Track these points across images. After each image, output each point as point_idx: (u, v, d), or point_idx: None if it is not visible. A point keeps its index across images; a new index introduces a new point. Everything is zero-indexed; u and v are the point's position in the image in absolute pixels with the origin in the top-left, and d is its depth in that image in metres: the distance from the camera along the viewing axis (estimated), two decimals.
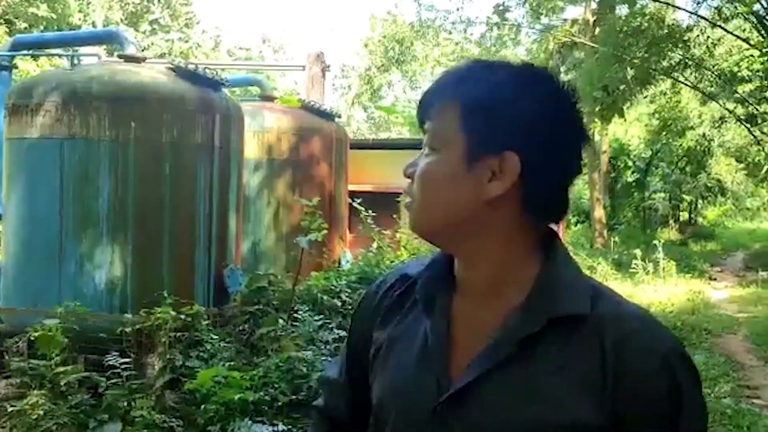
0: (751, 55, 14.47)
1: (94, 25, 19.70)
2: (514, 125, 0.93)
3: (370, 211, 8.28)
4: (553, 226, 1.01)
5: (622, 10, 18.71)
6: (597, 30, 19.18)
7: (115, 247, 5.59)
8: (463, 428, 0.94)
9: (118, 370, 4.49)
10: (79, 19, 20.00)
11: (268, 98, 8.78)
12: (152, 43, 22.63)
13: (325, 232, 5.62)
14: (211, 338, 4.88)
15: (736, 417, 5.34)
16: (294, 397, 4.48)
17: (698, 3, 17.86)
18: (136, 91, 5.75)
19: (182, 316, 4.78)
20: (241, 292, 6.04)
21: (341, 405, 1.18)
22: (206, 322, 4.99)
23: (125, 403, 4.35)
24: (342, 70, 28.17)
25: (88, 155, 5.56)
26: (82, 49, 7.68)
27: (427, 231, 1.01)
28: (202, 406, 4.20)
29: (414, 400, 0.99)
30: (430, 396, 0.97)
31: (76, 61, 6.24)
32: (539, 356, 0.92)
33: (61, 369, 4.33)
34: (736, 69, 18.34)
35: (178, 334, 4.81)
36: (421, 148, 1.00)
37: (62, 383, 4.29)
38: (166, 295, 4.98)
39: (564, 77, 22.00)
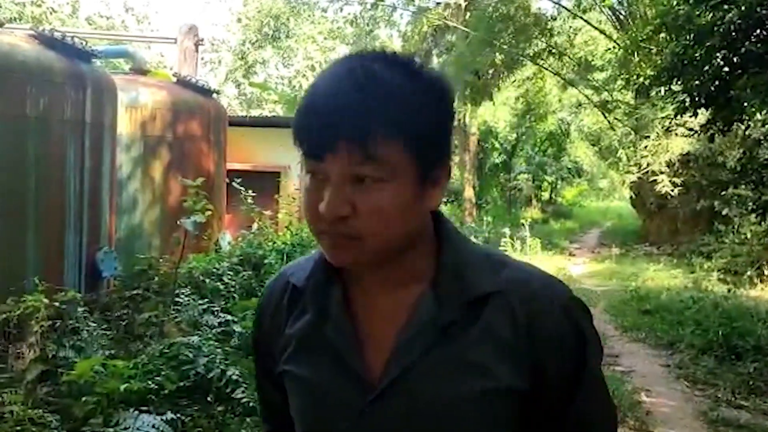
0: (612, 47, 15.45)
1: None
2: (448, 137, 0.99)
3: (249, 191, 8.11)
4: None
5: None
6: (468, 14, 19.73)
7: None
8: (396, 419, 0.96)
9: None
10: None
11: (140, 71, 8.32)
12: (0, 6, 20.72)
13: (209, 213, 5.44)
14: (88, 326, 4.61)
15: None
16: (181, 383, 4.33)
17: None
18: None
19: (56, 303, 4.46)
20: (119, 277, 5.73)
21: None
22: (82, 309, 4.69)
23: None
24: (212, 45, 27.21)
25: None
26: None
27: (374, 260, 0.95)
28: (82, 399, 3.96)
29: (338, 410, 0.99)
30: (354, 400, 0.98)
31: None
32: (459, 335, 0.96)
33: None
34: (591, 58, 19.58)
35: (51, 322, 4.49)
36: None
37: None
38: (37, 281, 4.62)
39: (437, 60, 22.46)
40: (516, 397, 0.96)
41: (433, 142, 0.94)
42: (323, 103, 0.90)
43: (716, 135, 6.64)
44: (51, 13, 23.12)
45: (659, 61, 6.72)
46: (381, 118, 0.88)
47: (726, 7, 5.58)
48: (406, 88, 0.91)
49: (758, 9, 5.45)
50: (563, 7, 19.34)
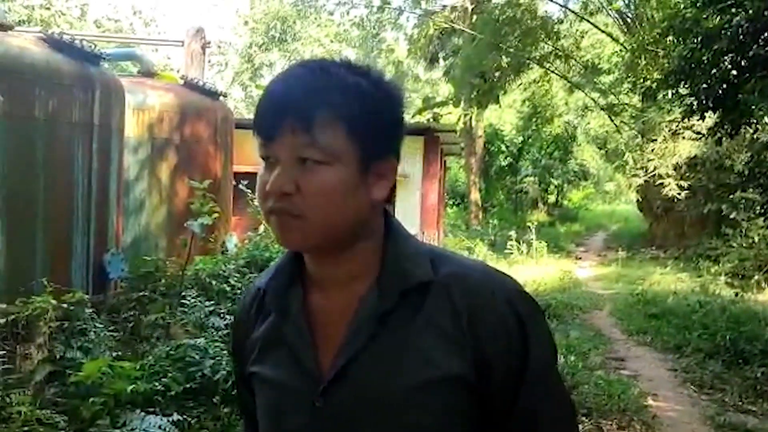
0: (619, 50, 15.43)
1: None
2: (395, 134, 1.03)
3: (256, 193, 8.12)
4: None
5: None
6: (474, 17, 19.73)
7: None
8: (347, 411, 0.98)
9: None
10: None
11: (147, 74, 8.34)
12: (9, 9, 20.83)
13: (216, 215, 5.45)
14: (95, 327, 4.62)
15: (608, 387, 5.75)
16: (188, 385, 4.34)
17: None
18: (3, 62, 5.28)
19: (64, 305, 4.48)
20: (126, 278, 5.74)
21: None
22: (90, 310, 4.71)
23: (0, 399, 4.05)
24: (219, 47, 27.30)
25: None
26: None
27: (321, 243, 0.99)
28: (90, 399, 3.97)
29: (295, 405, 1.02)
30: (307, 394, 1.01)
31: None
32: (401, 325, 0.98)
33: None
34: (597, 61, 19.56)
35: (59, 323, 4.51)
36: None
37: None
38: (45, 283, 4.64)
39: (443, 62, 22.37)
40: (466, 388, 0.96)
41: (377, 134, 0.98)
42: (276, 92, 0.98)
43: (724, 138, 6.62)
44: (59, 16, 23.24)
45: (666, 64, 6.72)
46: (324, 103, 0.94)
47: (733, 10, 5.57)
48: (353, 81, 0.97)
49: (766, 12, 5.44)
50: (570, 10, 19.33)
